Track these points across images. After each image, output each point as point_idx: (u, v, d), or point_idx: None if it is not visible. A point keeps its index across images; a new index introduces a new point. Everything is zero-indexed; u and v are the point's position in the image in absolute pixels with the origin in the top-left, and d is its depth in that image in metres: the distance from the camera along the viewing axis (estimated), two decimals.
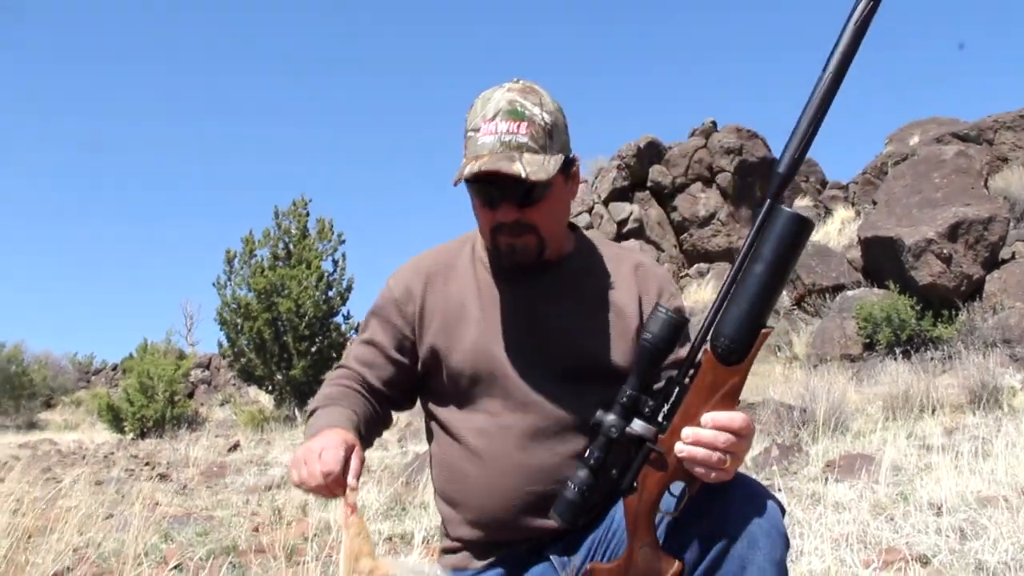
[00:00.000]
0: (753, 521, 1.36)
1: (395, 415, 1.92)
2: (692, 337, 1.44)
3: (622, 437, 1.39)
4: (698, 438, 1.33)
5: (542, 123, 1.60)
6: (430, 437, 1.87)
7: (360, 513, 1.44)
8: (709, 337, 1.36)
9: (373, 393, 1.81)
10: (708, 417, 1.34)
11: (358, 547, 1.40)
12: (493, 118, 1.59)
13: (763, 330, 1.32)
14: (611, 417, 1.40)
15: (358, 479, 1.47)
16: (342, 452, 1.47)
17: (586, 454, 1.44)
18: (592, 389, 1.67)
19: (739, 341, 1.31)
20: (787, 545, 1.40)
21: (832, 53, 1.28)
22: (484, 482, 1.68)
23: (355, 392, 1.78)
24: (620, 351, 1.72)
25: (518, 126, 1.57)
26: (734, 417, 1.33)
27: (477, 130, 1.60)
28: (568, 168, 1.69)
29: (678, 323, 1.38)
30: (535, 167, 1.55)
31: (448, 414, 1.77)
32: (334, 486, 1.45)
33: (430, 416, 1.85)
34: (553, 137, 1.62)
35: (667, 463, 1.37)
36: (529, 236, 1.65)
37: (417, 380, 1.84)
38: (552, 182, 1.62)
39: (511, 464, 1.66)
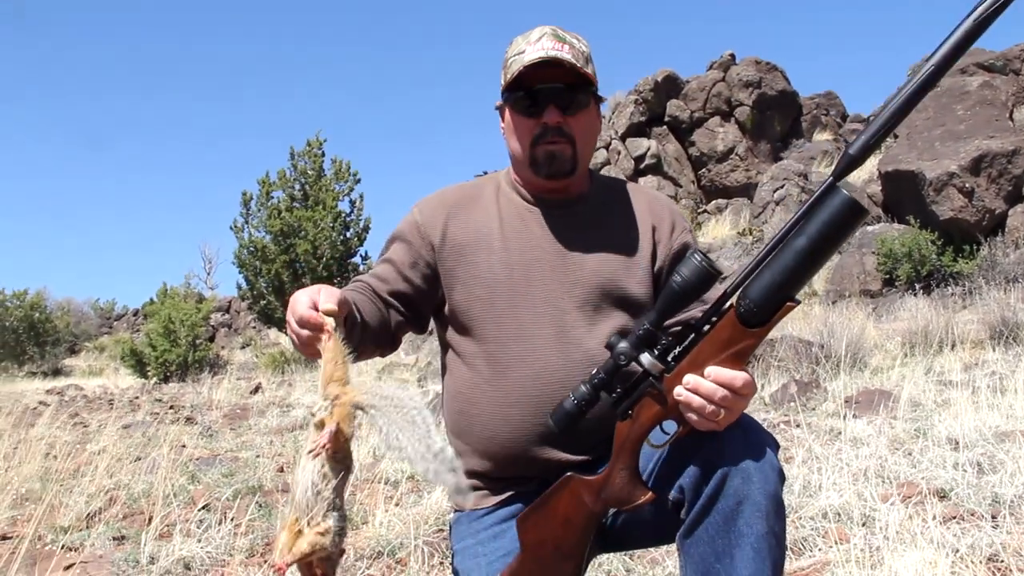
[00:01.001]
0: (747, 457, 1.39)
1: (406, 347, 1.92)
2: (717, 289, 1.47)
3: (629, 366, 1.43)
4: (698, 387, 1.37)
5: (581, 49, 1.76)
6: (444, 371, 1.90)
7: (337, 339, 1.44)
8: (736, 295, 1.37)
9: (379, 299, 1.82)
10: (712, 370, 1.37)
11: (330, 373, 1.42)
12: (538, 40, 1.73)
13: (789, 303, 1.32)
14: (624, 345, 1.43)
15: (336, 305, 1.46)
16: (314, 288, 1.51)
17: (593, 371, 1.48)
18: (608, 321, 1.75)
19: (762, 307, 1.32)
20: (782, 479, 1.43)
21: (940, 45, 1.23)
22: (494, 411, 1.73)
23: (359, 293, 1.79)
24: (635, 280, 1.79)
25: (562, 46, 1.72)
26: (736, 376, 1.36)
27: (522, 52, 1.73)
28: (598, 100, 1.83)
29: (710, 274, 1.39)
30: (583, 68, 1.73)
31: (462, 343, 1.81)
32: (314, 319, 1.45)
33: (445, 347, 1.88)
34: (589, 64, 1.77)
35: (666, 401, 1.41)
36: (566, 144, 1.76)
37: (430, 305, 1.87)
38: (590, 100, 1.78)
39: (523, 395, 1.70)
